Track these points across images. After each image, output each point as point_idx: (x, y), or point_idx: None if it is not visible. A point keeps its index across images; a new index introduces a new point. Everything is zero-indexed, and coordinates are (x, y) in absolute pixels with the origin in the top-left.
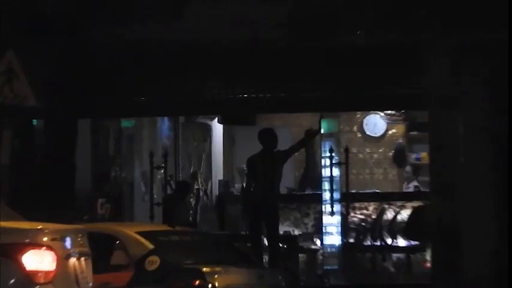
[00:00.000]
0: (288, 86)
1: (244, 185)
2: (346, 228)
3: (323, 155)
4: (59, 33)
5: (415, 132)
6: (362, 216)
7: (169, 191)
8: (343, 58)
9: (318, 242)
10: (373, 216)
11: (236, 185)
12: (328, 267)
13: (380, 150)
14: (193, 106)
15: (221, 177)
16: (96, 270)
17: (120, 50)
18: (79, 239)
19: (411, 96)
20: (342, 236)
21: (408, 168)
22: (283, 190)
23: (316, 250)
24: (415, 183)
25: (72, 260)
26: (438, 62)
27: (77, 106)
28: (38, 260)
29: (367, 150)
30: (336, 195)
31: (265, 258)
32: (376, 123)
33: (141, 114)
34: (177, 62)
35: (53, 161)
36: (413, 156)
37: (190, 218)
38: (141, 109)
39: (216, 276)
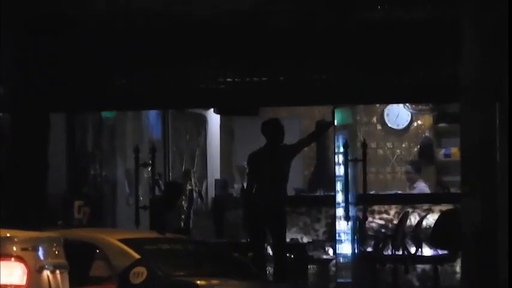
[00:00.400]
0: (291, 72)
1: (245, 185)
2: (363, 235)
3: (337, 151)
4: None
5: (444, 124)
6: (382, 222)
7: (157, 193)
8: (359, 39)
9: (331, 251)
10: (395, 222)
11: (235, 186)
12: (342, 281)
13: (403, 145)
14: (185, 95)
15: (218, 177)
16: (73, 283)
17: (96, 27)
18: (54, 248)
19: (440, 85)
20: (358, 245)
21: (409, 167)
22: (290, 191)
23: (328, 260)
24: (423, 182)
25: (46, 273)
26: (473, 42)
27: (48, 97)
28: (6, 273)
29: (388, 145)
30: (352, 198)
31: (270, 270)
32: (398, 113)
33: (122, 107)
34: (166, 42)
35: (21, 158)
36: (442, 151)
37: (182, 224)
38: (123, 101)
39: None
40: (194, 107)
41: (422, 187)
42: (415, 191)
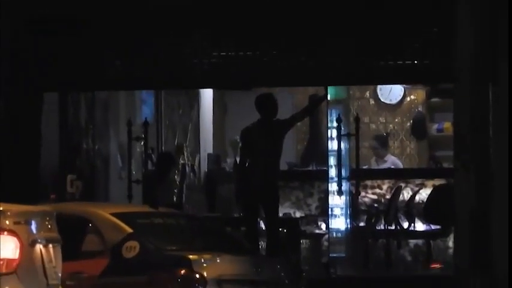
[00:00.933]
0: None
1: (238, 160)
2: (355, 210)
3: (329, 125)
4: None
5: (437, 99)
6: (374, 196)
7: (150, 167)
8: (353, 15)
9: (323, 226)
10: (388, 197)
11: (228, 160)
12: (335, 255)
13: (396, 120)
14: (179, 71)
15: (211, 151)
16: (65, 257)
17: (88, 7)
18: (46, 222)
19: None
20: (350, 219)
21: (375, 143)
22: (283, 166)
23: (321, 235)
24: (392, 156)
25: (39, 247)
26: (468, 18)
27: (42, 77)
28: None
29: (381, 119)
30: (344, 172)
31: (262, 244)
32: (391, 88)
33: (115, 86)
34: (157, 18)
35: (12, 130)
36: (435, 126)
37: (175, 198)
38: (116, 81)
39: (204, 265)
40: (188, 87)
41: (393, 160)
42: (386, 165)
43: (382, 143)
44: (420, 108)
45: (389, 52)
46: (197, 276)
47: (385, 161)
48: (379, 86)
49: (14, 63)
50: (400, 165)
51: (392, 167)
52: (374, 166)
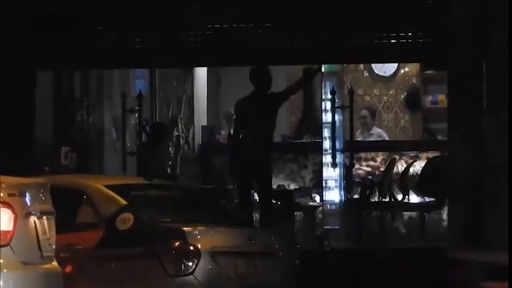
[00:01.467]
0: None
1: (232, 132)
2: (349, 182)
3: (324, 98)
4: None
5: (431, 71)
6: (368, 169)
7: (144, 139)
8: None
9: (317, 198)
10: (382, 169)
11: (222, 132)
12: (329, 227)
13: (390, 92)
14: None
15: (205, 123)
16: (60, 229)
17: None
18: (40, 194)
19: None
20: (344, 192)
21: (365, 111)
22: (277, 138)
23: (315, 207)
24: (378, 128)
25: (33, 219)
26: None
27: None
28: None
29: (375, 92)
30: (338, 144)
31: (256, 216)
32: None
33: (109, 64)
34: None
35: (8, 105)
36: (429, 99)
37: (169, 170)
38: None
39: (198, 236)
40: (183, 65)
41: (379, 132)
42: (373, 138)
43: (372, 113)
44: (414, 81)
45: (383, 31)
46: (191, 248)
47: (371, 134)
48: None
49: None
50: (386, 138)
51: (380, 139)
52: (359, 138)
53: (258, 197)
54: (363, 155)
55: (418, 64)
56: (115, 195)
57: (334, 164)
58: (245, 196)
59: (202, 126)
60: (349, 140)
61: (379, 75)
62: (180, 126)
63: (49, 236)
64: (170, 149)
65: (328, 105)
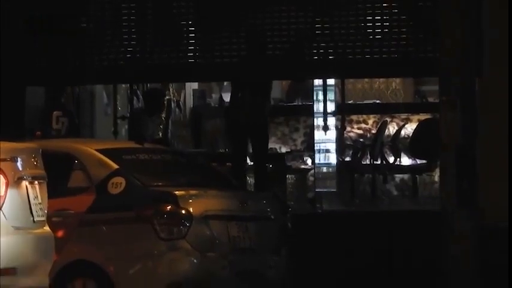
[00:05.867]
0: None
1: (230, 95)
2: (341, 144)
3: None
4: None
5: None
6: (360, 131)
7: (135, 102)
8: None
9: (309, 161)
10: (373, 131)
11: (214, 96)
12: (321, 190)
13: None
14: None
15: (196, 87)
16: (51, 194)
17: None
18: (32, 159)
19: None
20: (336, 154)
21: None
22: None
23: (307, 170)
24: None
25: (25, 184)
26: None
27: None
28: None
29: None
30: (330, 107)
31: (248, 180)
32: None
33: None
34: None
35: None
36: None
37: (160, 134)
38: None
39: (190, 200)
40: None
41: None
42: None
43: None
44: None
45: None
46: (183, 211)
47: None
48: None
49: None
50: None
51: None
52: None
53: (252, 160)
54: (354, 117)
55: None
56: (107, 159)
57: (325, 127)
58: (239, 159)
59: (193, 89)
60: (341, 103)
61: None
62: (171, 89)
63: (41, 201)
64: (162, 113)
65: None
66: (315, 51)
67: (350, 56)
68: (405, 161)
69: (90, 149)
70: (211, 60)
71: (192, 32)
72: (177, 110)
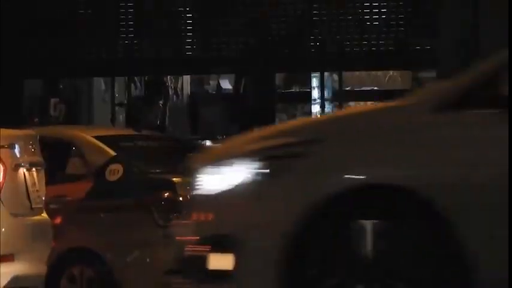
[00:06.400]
0: None
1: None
2: None
3: None
4: None
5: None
6: None
7: (133, 89)
8: None
9: None
10: None
11: (211, 83)
12: None
13: None
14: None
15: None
16: (49, 181)
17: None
18: (30, 146)
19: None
20: None
21: None
22: None
23: None
24: None
25: (22, 171)
26: None
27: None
28: None
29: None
30: (327, 93)
31: None
32: None
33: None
34: None
35: None
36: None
37: (158, 121)
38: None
39: (188, 187)
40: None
41: None
42: None
43: None
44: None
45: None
46: (180, 199)
47: None
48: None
49: None
50: None
51: None
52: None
53: None
54: (352, 104)
55: None
56: (104, 146)
57: (323, 114)
58: None
59: (191, 76)
60: (338, 89)
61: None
62: (169, 76)
63: (38, 188)
64: (160, 101)
65: None
66: (312, 44)
67: (347, 49)
68: None
69: (87, 135)
70: (209, 53)
71: (190, 24)
72: (174, 97)
